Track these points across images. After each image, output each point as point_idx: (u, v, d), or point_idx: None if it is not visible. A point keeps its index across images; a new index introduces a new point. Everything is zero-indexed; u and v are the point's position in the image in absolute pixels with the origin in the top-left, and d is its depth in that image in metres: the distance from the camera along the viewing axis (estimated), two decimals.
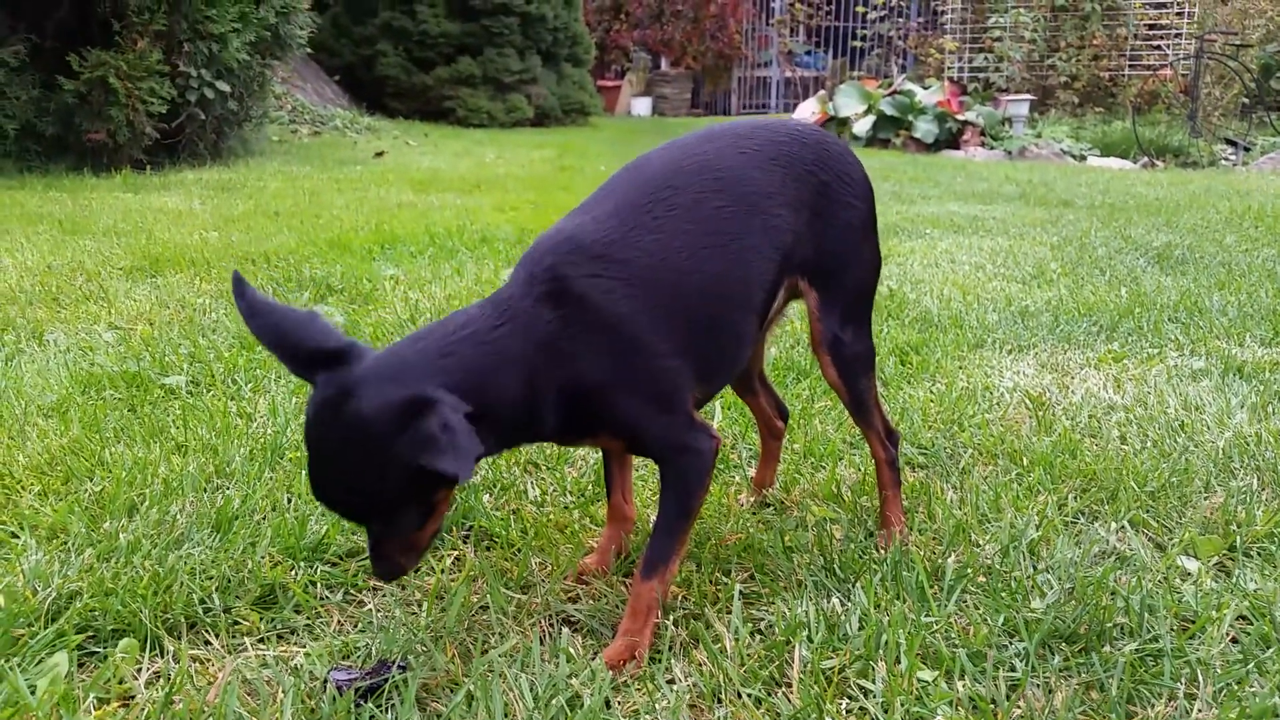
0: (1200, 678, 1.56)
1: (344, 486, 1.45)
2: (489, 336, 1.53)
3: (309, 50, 12.34)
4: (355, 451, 1.40)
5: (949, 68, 16.91)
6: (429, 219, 6.43)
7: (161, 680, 1.60)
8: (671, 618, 1.75)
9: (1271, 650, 1.63)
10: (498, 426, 1.52)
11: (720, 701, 1.53)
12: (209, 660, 1.66)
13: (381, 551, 1.53)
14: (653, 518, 2.12)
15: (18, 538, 2.02)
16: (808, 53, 24.82)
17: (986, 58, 16.60)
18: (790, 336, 3.55)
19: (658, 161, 1.78)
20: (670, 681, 1.58)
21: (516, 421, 1.57)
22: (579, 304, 1.58)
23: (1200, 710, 1.49)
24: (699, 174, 1.75)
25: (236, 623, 1.77)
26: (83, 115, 7.84)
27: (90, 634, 1.70)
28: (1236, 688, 1.54)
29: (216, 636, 1.72)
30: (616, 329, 1.60)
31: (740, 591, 1.81)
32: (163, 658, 1.66)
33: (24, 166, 7.93)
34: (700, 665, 1.62)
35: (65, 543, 1.99)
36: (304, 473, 1.47)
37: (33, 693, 1.51)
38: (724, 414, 2.80)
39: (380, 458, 1.39)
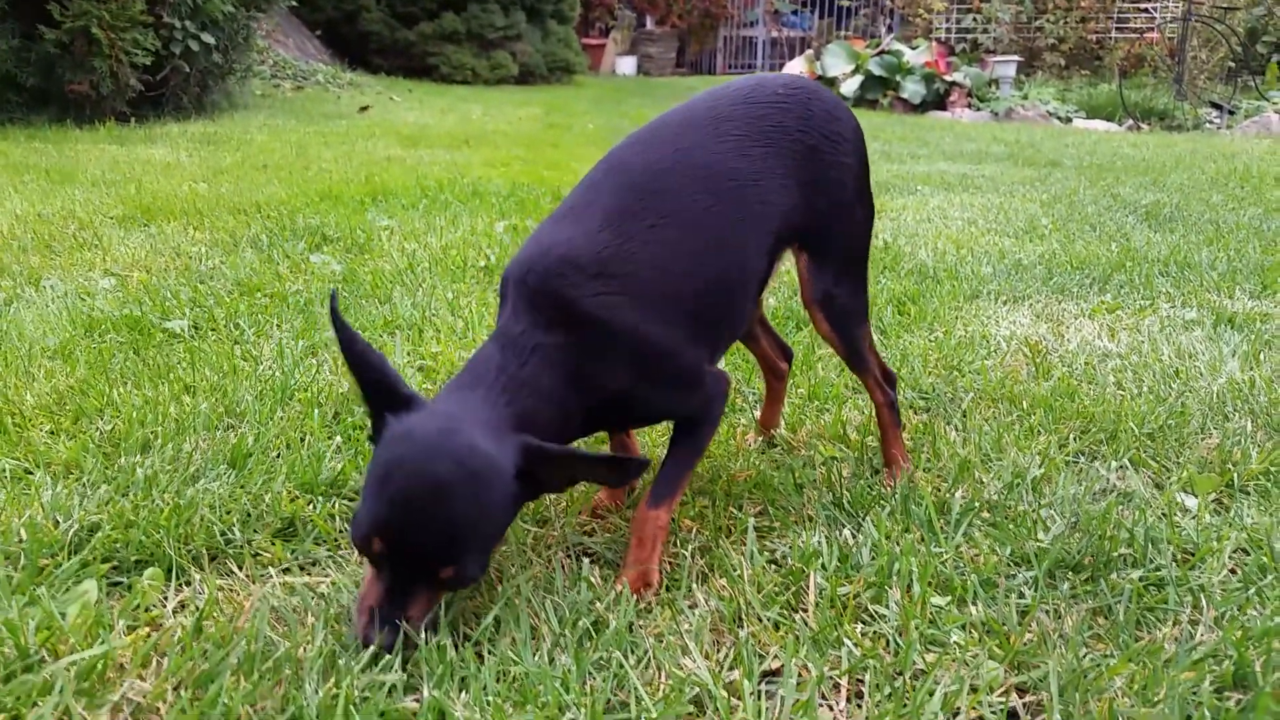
0: (1203, 603, 1.61)
1: (451, 526, 1.41)
2: (523, 376, 1.55)
3: (292, 3, 12.18)
4: (472, 491, 1.42)
5: (937, 28, 16.86)
6: (419, 173, 6.40)
7: (189, 608, 1.63)
8: (689, 548, 1.78)
9: (1270, 578, 1.68)
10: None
11: (741, 624, 1.57)
12: (234, 590, 1.69)
13: (402, 614, 1.43)
14: (662, 454, 2.16)
15: (32, 474, 2.03)
16: (794, 12, 24.66)
17: (974, 18, 16.55)
18: (788, 287, 3.57)
19: (640, 161, 1.74)
20: (692, 605, 1.62)
21: (558, 434, 1.59)
22: (590, 325, 1.58)
23: (1204, 633, 1.54)
24: (683, 173, 1.72)
25: (259, 554, 1.79)
26: (65, 66, 7.72)
27: (114, 564, 1.72)
28: (1238, 612, 1.59)
29: (240, 567, 1.74)
30: (631, 341, 1.61)
31: (753, 525, 1.84)
32: (188, 587, 1.68)
33: (5, 118, 7.82)
34: (719, 591, 1.66)
35: (80, 479, 2.00)
36: (372, 497, 1.43)
37: (63, 618, 1.53)
38: (728, 360, 2.83)
39: (497, 497, 1.44)
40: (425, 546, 1.41)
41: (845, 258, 1.95)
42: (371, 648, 1.41)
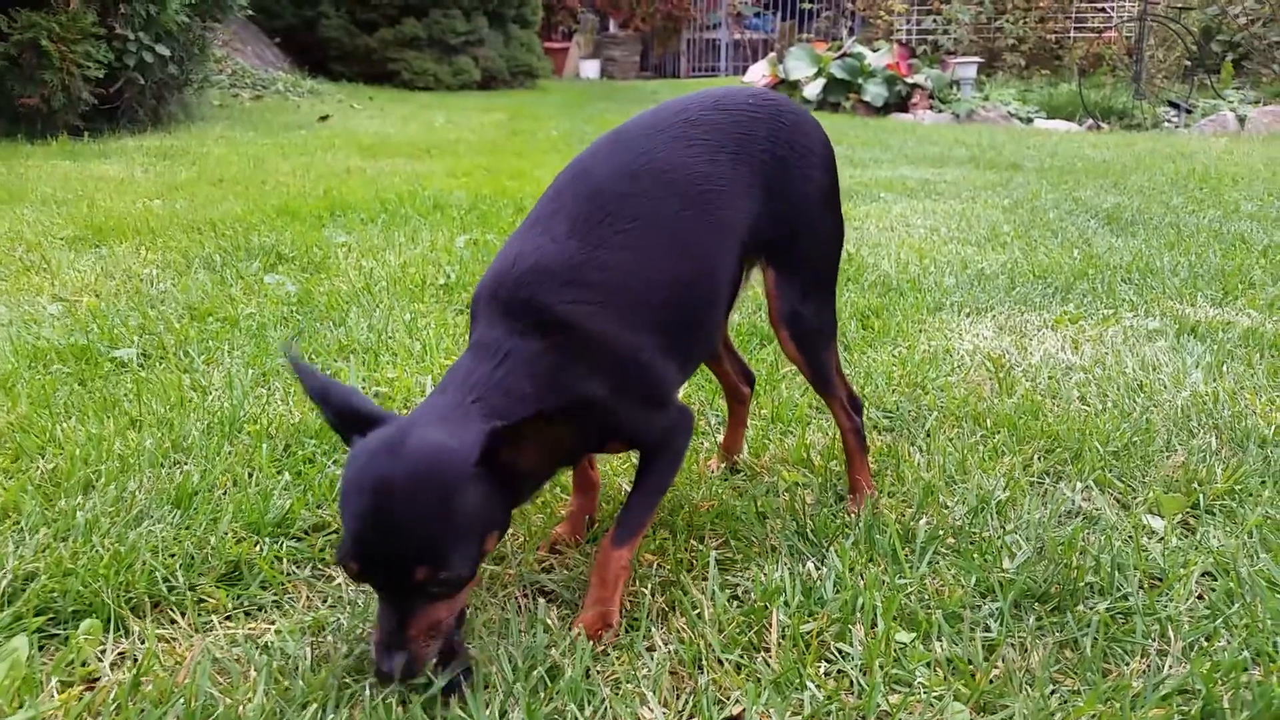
0: (1171, 634, 1.58)
1: (411, 523, 1.35)
2: (495, 378, 1.51)
3: (249, 12, 12.03)
4: (426, 485, 1.36)
5: (898, 30, 16.93)
6: (379, 185, 6.31)
7: (128, 661, 1.56)
8: (648, 585, 1.74)
9: (1236, 606, 1.66)
10: (535, 461, 1.50)
11: (701, 668, 1.52)
12: (175, 640, 1.62)
13: (404, 635, 1.37)
14: (624, 485, 2.11)
15: None
16: (756, 15, 24.73)
17: (935, 20, 16.64)
18: (752, 302, 3.54)
19: (606, 166, 1.71)
20: (650, 649, 1.58)
21: (546, 454, 1.52)
22: (564, 331, 1.54)
23: (1172, 665, 1.51)
24: (650, 178, 1.68)
25: (202, 600, 1.73)
26: (14, 79, 7.56)
27: (50, 615, 1.65)
28: (1206, 643, 1.57)
29: (182, 615, 1.68)
30: (605, 348, 1.58)
31: (715, 558, 1.80)
32: (127, 638, 1.62)
33: None
34: (679, 632, 1.62)
35: (18, 522, 1.92)
36: (342, 524, 1.38)
37: None
38: (690, 383, 2.79)
39: (455, 486, 1.37)
40: (394, 553, 1.35)
41: (812, 275, 1.91)
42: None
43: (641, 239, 1.64)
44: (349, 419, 1.47)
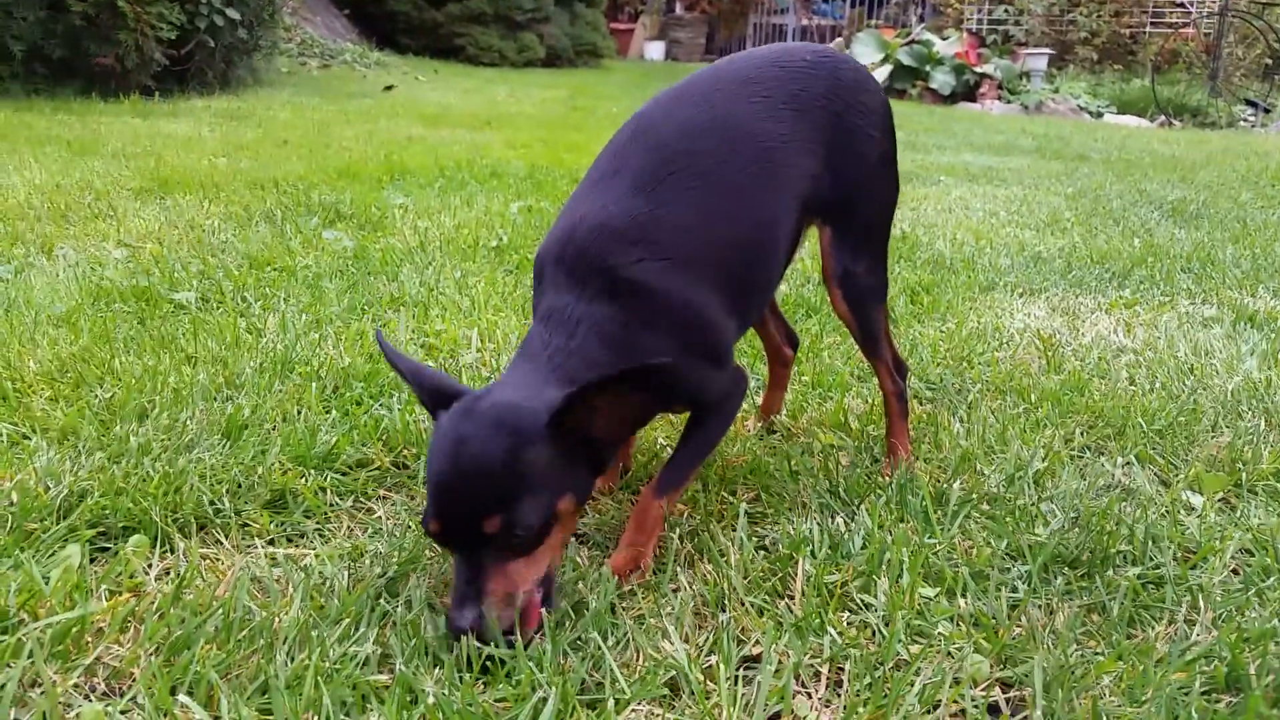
0: (1201, 603, 1.57)
1: (482, 475, 1.38)
2: (570, 347, 1.53)
3: None
4: (496, 439, 1.39)
5: (968, 19, 16.66)
6: (439, 153, 6.38)
7: (171, 575, 1.62)
8: (677, 532, 1.76)
9: (1272, 579, 1.64)
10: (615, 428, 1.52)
11: (724, 609, 1.54)
12: (218, 559, 1.68)
13: (479, 590, 1.37)
14: (661, 440, 2.14)
15: (29, 439, 2.03)
16: (825, 0, 24.45)
17: (1006, 10, 16.35)
18: (800, 275, 3.53)
19: (668, 122, 1.70)
20: (675, 589, 1.60)
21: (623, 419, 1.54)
22: (634, 292, 1.55)
23: (1200, 633, 1.50)
24: (713, 135, 1.69)
25: (247, 525, 1.78)
26: (90, 39, 7.76)
27: (101, 530, 1.72)
28: (1236, 614, 1.55)
29: (226, 537, 1.74)
30: (674, 307, 1.58)
31: (746, 510, 1.81)
32: (173, 554, 1.68)
33: (31, 89, 7.87)
34: (705, 575, 1.64)
35: (76, 445, 2.00)
36: (425, 463, 1.42)
37: (46, 582, 1.52)
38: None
39: (526, 442, 1.39)
40: (464, 505, 1.38)
41: (866, 234, 1.91)
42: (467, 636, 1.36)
43: (706, 196, 1.64)
44: (439, 396, 1.51)
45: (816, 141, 1.79)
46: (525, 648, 1.37)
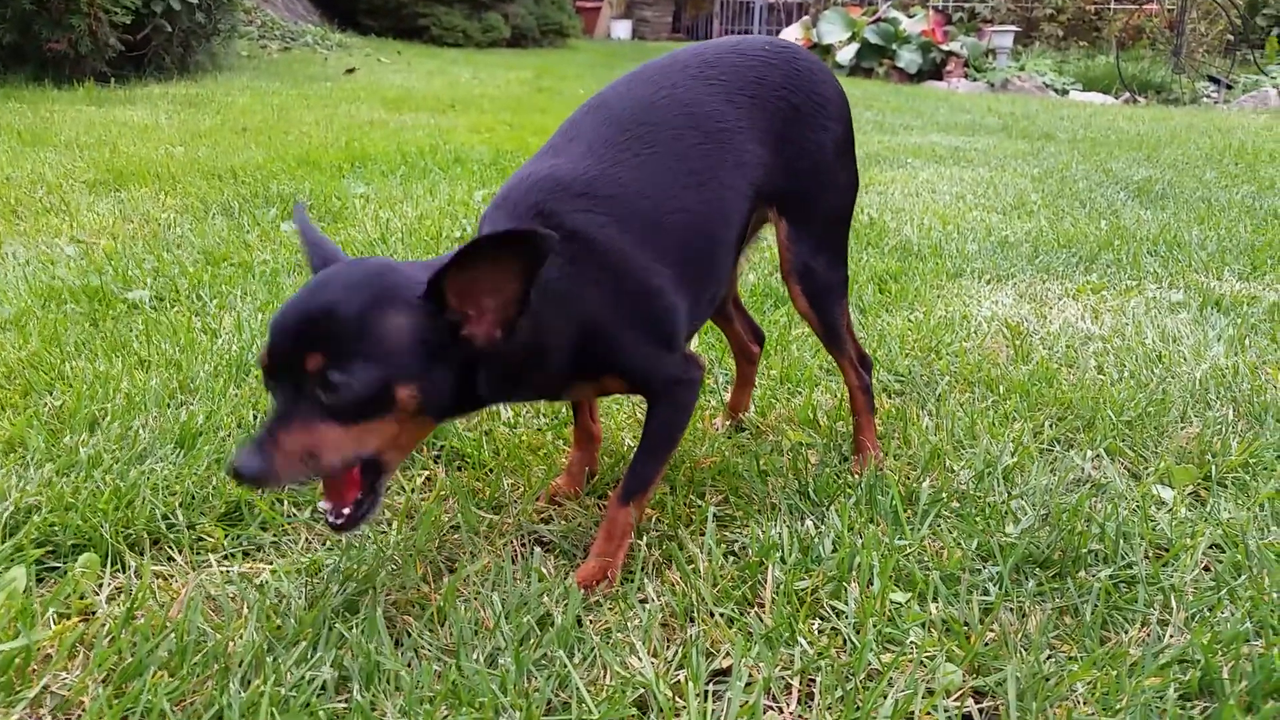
0: (1173, 603, 1.56)
1: (328, 311, 1.31)
2: None
3: None
4: (360, 286, 1.33)
5: None
6: (401, 138, 6.29)
7: (123, 595, 1.57)
8: (645, 539, 1.72)
9: (1243, 578, 1.63)
10: (508, 361, 1.44)
11: (693, 620, 1.51)
12: (172, 576, 1.63)
13: (274, 437, 1.29)
14: (628, 441, 2.10)
15: None
16: None
17: None
18: (768, 264, 3.50)
19: (626, 98, 1.70)
20: (643, 600, 1.57)
21: (525, 358, 1.47)
22: (575, 241, 1.50)
23: (1173, 635, 1.49)
24: (669, 110, 1.68)
25: (201, 539, 1.73)
26: (42, 23, 7.57)
27: (50, 549, 1.66)
28: (1209, 614, 1.54)
29: (180, 553, 1.68)
30: (617, 265, 1.54)
31: (714, 514, 1.78)
32: (124, 573, 1.62)
33: None
34: (673, 585, 1.60)
35: (24, 456, 1.93)
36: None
37: None
38: (699, 339, 2.76)
39: (387, 301, 1.32)
40: (296, 337, 1.31)
41: (824, 227, 1.88)
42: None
43: (658, 163, 1.63)
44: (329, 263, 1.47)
45: (770, 131, 1.77)
46: (346, 526, 1.38)
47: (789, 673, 1.40)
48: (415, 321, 1.33)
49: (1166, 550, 1.73)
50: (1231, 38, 14.18)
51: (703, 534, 1.74)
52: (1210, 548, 1.75)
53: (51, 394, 2.22)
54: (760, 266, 3.44)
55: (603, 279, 1.53)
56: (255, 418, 2.14)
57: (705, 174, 1.67)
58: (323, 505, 1.41)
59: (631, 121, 1.65)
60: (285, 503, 1.85)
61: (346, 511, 1.40)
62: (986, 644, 1.46)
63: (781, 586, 1.58)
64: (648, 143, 1.63)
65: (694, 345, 2.72)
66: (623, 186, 1.58)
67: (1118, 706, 1.32)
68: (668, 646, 1.46)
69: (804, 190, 1.82)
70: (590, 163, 1.59)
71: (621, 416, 2.24)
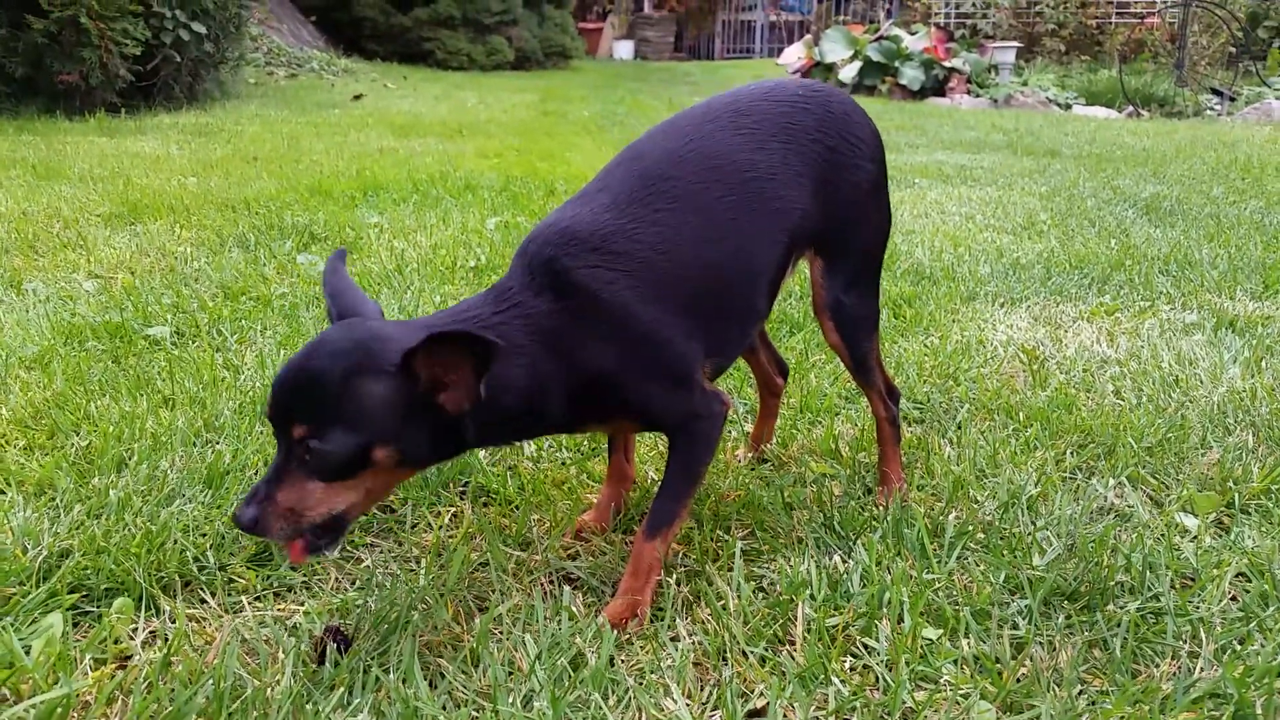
0: (1202, 636, 1.56)
1: (311, 381, 1.41)
2: (490, 320, 1.53)
3: None
4: (339, 355, 1.42)
5: (935, 13, 16.72)
6: (411, 165, 6.32)
7: (158, 640, 1.58)
8: (674, 576, 1.73)
9: (1272, 609, 1.63)
10: (499, 413, 1.51)
11: (725, 659, 1.52)
12: (205, 619, 1.64)
13: (270, 493, 1.41)
14: (651, 474, 2.11)
15: (4, 493, 1.98)
16: None
17: (974, 3, 16.42)
18: (783, 291, 3.51)
19: (655, 151, 1.72)
20: (674, 639, 1.57)
21: (519, 410, 1.55)
22: (580, 295, 1.56)
23: (1203, 668, 1.49)
24: (697, 163, 1.70)
25: (232, 580, 1.74)
26: (53, 56, 7.64)
27: (84, 593, 1.67)
28: (1239, 646, 1.54)
29: (213, 595, 1.70)
30: (621, 319, 1.58)
31: (741, 549, 1.79)
32: (159, 617, 1.64)
33: None
34: (704, 623, 1.61)
35: (53, 499, 1.95)
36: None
37: (27, 653, 1.48)
38: None
39: (364, 370, 1.40)
40: (286, 403, 1.42)
41: (859, 265, 1.91)
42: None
43: (679, 218, 1.65)
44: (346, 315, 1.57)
45: (806, 176, 1.78)
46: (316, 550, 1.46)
47: (824, 713, 1.41)
48: (391, 387, 1.42)
49: (1193, 580, 1.74)
50: (1233, 50, 14.21)
51: (730, 569, 1.74)
52: (1236, 577, 1.75)
53: (78, 434, 2.24)
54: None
55: (605, 333, 1.58)
56: None
57: (730, 228, 1.69)
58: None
59: (657, 175, 1.67)
60: None
61: (306, 544, 1.47)
62: (1019, 680, 1.46)
63: (812, 624, 1.59)
64: (671, 197, 1.65)
65: None
66: (637, 242, 1.61)
67: None
68: (701, 687, 1.47)
69: (839, 230, 1.84)
70: (610, 216, 1.62)
71: (644, 450, 2.25)
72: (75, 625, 1.61)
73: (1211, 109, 12.60)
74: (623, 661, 1.52)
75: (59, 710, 1.36)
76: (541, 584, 1.76)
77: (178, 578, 1.73)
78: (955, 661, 1.51)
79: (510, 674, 1.47)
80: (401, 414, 1.42)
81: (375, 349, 1.42)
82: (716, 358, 1.74)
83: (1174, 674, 1.49)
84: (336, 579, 1.77)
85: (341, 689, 1.42)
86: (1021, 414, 2.47)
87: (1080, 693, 1.44)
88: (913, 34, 15.07)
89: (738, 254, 1.71)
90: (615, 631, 1.56)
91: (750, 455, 2.25)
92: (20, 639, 1.51)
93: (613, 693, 1.43)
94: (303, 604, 1.68)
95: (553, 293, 1.56)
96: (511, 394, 1.51)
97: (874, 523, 1.92)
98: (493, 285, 1.62)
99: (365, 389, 1.40)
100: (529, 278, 1.58)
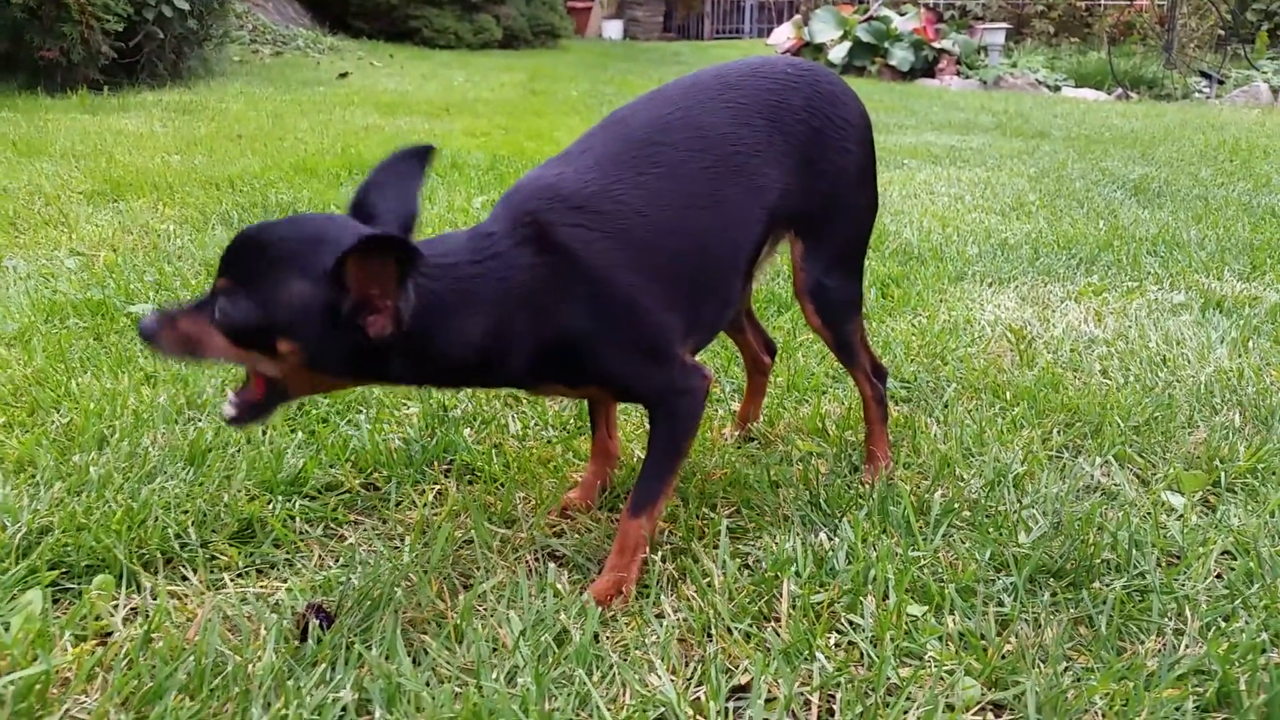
0: (1188, 613, 1.56)
1: (253, 250, 1.44)
2: (464, 274, 1.50)
3: None
4: (285, 241, 1.44)
5: None
6: (397, 143, 6.24)
7: (139, 617, 1.57)
8: (659, 553, 1.73)
9: (1257, 586, 1.63)
10: (442, 361, 1.51)
11: (710, 636, 1.52)
12: (187, 596, 1.63)
13: (175, 316, 1.45)
14: (637, 452, 2.10)
15: None
16: None
17: None
18: (772, 269, 3.50)
19: (643, 116, 1.71)
20: (659, 616, 1.57)
21: (471, 362, 1.53)
22: (559, 252, 1.54)
23: (1188, 646, 1.50)
24: (684, 131, 1.68)
25: (214, 558, 1.73)
26: (34, 31, 7.53)
27: (64, 570, 1.66)
28: (1224, 624, 1.54)
29: (194, 572, 1.68)
30: (599, 281, 1.56)
31: (727, 526, 1.79)
32: (139, 594, 1.62)
33: None
34: (689, 600, 1.61)
35: (33, 476, 1.93)
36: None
37: (6, 630, 1.46)
38: (707, 349, 2.76)
39: (299, 261, 1.40)
40: (228, 252, 1.45)
41: (841, 249, 1.88)
42: None
43: (662, 185, 1.63)
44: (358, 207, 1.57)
45: (790, 155, 1.76)
46: (234, 419, 1.52)
47: (808, 689, 1.41)
48: (315, 292, 1.40)
49: (1179, 559, 1.74)
50: (1222, 33, 14.21)
51: (716, 547, 1.74)
52: (1222, 554, 1.76)
53: (59, 411, 2.22)
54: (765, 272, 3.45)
55: (582, 292, 1.55)
56: (264, 433, 2.13)
57: (713, 199, 1.68)
58: (229, 395, 1.54)
59: (643, 140, 1.66)
60: (297, 519, 1.85)
61: (237, 407, 1.52)
62: (1004, 657, 1.46)
63: (797, 601, 1.58)
64: (655, 162, 1.64)
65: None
66: (621, 204, 1.59)
67: (1136, 719, 1.32)
68: (686, 663, 1.46)
69: (822, 213, 1.82)
70: (594, 177, 1.61)
71: (629, 428, 2.24)
72: (55, 602, 1.59)
73: (1200, 91, 12.62)
74: (607, 638, 1.52)
75: (38, 686, 1.34)
76: (526, 561, 1.75)
77: (159, 555, 1.71)
78: (940, 638, 1.51)
79: (494, 650, 1.46)
80: (316, 320, 1.40)
81: (316, 251, 1.40)
82: (694, 335, 1.72)
83: (1159, 651, 1.49)
84: (320, 556, 1.76)
85: (324, 665, 1.41)
86: (1008, 393, 2.46)
87: (1065, 669, 1.44)
88: (902, 15, 15.03)
89: (719, 226, 1.70)
90: (600, 608, 1.56)
91: (737, 434, 2.25)
92: (0, 619, 1.50)
93: (597, 668, 1.42)
94: (285, 581, 1.67)
95: (533, 248, 1.54)
96: (460, 347, 1.49)
97: (860, 500, 1.91)
98: (475, 228, 1.59)
99: (288, 283, 1.40)
100: (511, 228, 1.55)
